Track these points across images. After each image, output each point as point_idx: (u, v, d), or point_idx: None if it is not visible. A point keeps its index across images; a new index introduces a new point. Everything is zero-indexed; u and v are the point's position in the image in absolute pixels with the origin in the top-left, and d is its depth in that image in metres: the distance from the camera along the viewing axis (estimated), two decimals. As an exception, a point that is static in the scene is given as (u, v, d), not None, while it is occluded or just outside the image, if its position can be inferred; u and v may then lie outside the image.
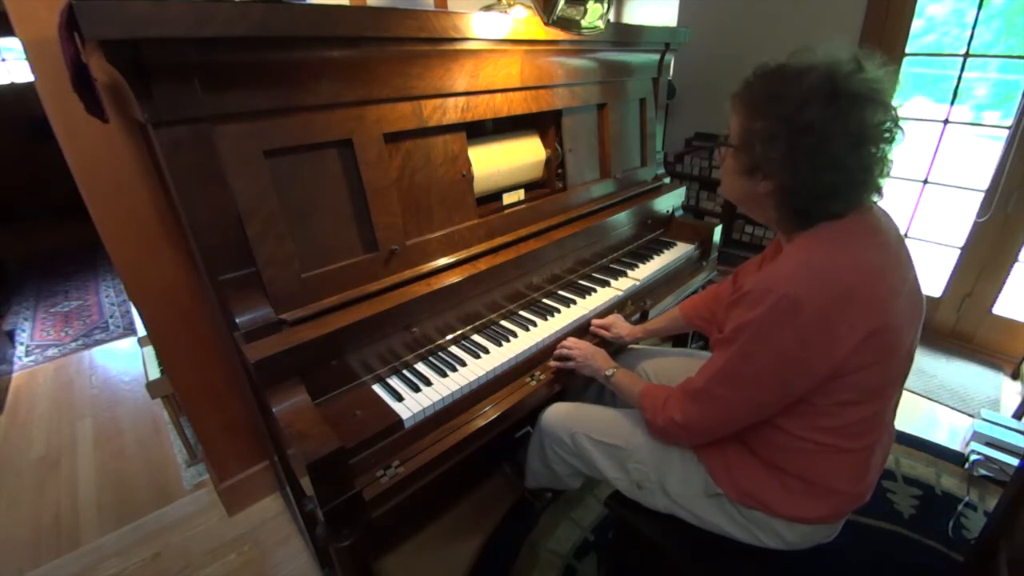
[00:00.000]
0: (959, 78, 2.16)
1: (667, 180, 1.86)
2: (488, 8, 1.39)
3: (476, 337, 1.24)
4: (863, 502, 0.88)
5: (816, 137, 0.72)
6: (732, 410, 0.84)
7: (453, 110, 1.15)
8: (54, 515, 1.71)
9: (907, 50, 2.25)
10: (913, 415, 2.00)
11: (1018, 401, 1.98)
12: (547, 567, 1.42)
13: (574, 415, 1.17)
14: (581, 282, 1.53)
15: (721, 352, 0.82)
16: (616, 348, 1.35)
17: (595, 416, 1.14)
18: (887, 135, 0.74)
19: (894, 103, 0.74)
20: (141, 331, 1.81)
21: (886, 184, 0.80)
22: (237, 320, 0.90)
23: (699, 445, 0.96)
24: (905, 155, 0.80)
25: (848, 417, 0.80)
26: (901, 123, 0.75)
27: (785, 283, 0.74)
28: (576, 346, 1.20)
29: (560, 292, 1.46)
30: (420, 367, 1.13)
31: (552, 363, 1.23)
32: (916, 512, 1.56)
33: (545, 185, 1.52)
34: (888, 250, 0.79)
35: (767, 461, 0.89)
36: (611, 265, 1.63)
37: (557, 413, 1.19)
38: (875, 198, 0.81)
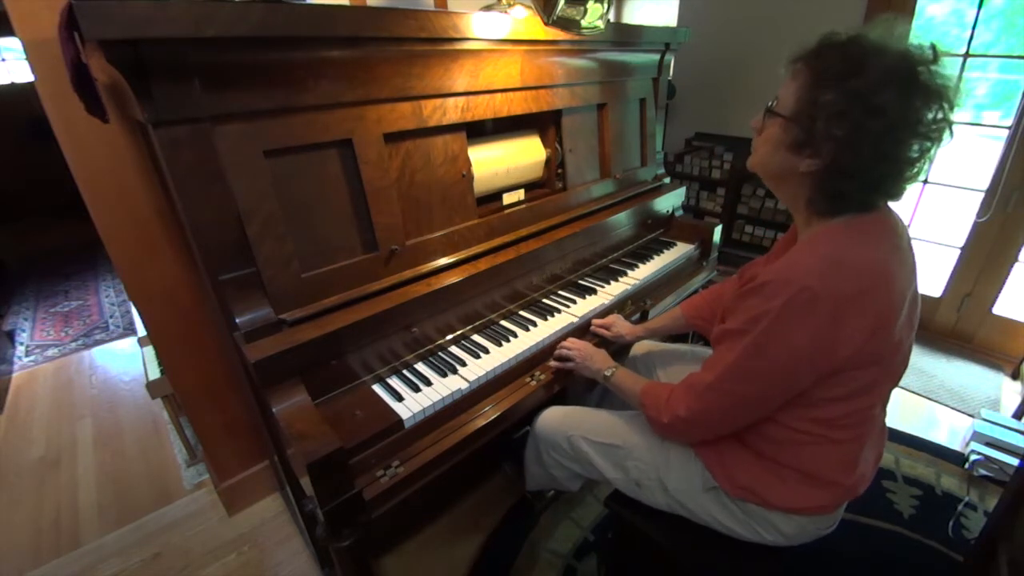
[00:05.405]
0: (959, 78, 2.15)
1: (667, 180, 1.86)
2: (488, 8, 1.39)
3: (476, 337, 1.24)
4: (856, 494, 0.89)
5: (886, 122, 0.69)
6: (739, 405, 0.84)
7: (453, 110, 1.15)
8: (54, 515, 1.71)
9: (907, 50, 2.25)
10: (913, 415, 2.00)
11: (1018, 401, 1.98)
12: (547, 567, 1.42)
13: (570, 419, 1.16)
14: (581, 282, 1.53)
15: (731, 345, 0.80)
16: (617, 348, 1.35)
17: (591, 418, 1.14)
18: (939, 134, 0.73)
19: (955, 107, 0.72)
20: (141, 331, 1.81)
21: (910, 187, 0.79)
22: (237, 320, 0.91)
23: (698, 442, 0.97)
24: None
25: (839, 410, 0.81)
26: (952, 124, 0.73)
27: (805, 276, 0.72)
28: (575, 346, 1.20)
29: (560, 292, 1.46)
30: (420, 367, 1.13)
31: (552, 363, 1.22)
32: (916, 512, 1.56)
33: (545, 185, 1.52)
34: (902, 255, 0.79)
35: (760, 453, 0.89)
36: (611, 265, 1.63)
37: (552, 418, 1.18)
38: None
